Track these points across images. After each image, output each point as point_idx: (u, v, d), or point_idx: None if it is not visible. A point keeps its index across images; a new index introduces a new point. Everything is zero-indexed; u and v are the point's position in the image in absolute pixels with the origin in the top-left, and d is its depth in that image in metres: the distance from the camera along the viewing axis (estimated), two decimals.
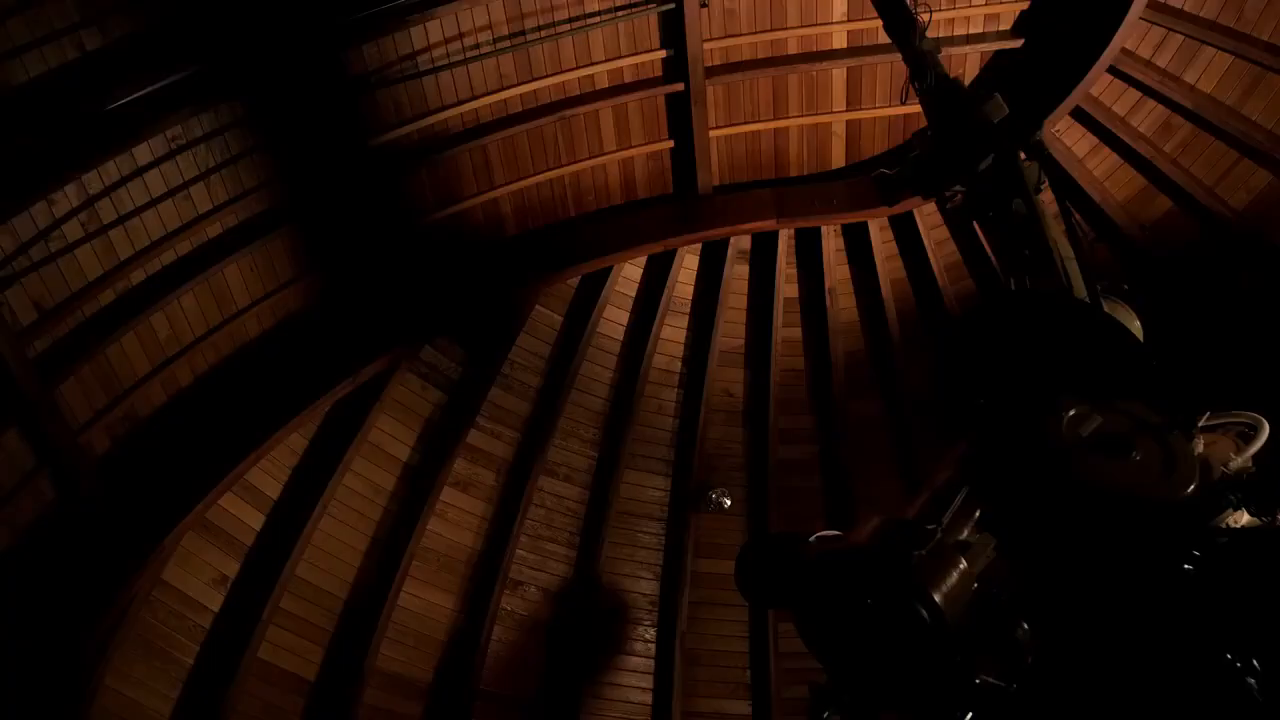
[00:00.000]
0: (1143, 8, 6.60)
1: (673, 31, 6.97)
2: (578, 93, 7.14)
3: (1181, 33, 6.74)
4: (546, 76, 6.92)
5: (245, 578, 6.70)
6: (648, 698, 7.77)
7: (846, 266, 8.12)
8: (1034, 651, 1.69)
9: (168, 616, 6.36)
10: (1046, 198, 3.09)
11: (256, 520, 6.80)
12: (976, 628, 1.55)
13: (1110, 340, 2.19)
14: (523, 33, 6.67)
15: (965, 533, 1.75)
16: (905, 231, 7.94)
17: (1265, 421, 2.16)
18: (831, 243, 7.95)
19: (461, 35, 6.55)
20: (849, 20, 7.14)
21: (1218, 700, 1.43)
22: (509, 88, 6.86)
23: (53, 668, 5.66)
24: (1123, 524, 1.71)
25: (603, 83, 7.17)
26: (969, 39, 7.25)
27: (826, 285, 8.01)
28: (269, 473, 6.85)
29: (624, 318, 8.11)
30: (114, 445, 6.21)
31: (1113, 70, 6.99)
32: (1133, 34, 6.80)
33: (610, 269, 7.85)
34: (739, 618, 7.93)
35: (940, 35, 7.06)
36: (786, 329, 8.14)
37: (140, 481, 6.23)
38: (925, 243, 7.82)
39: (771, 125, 7.61)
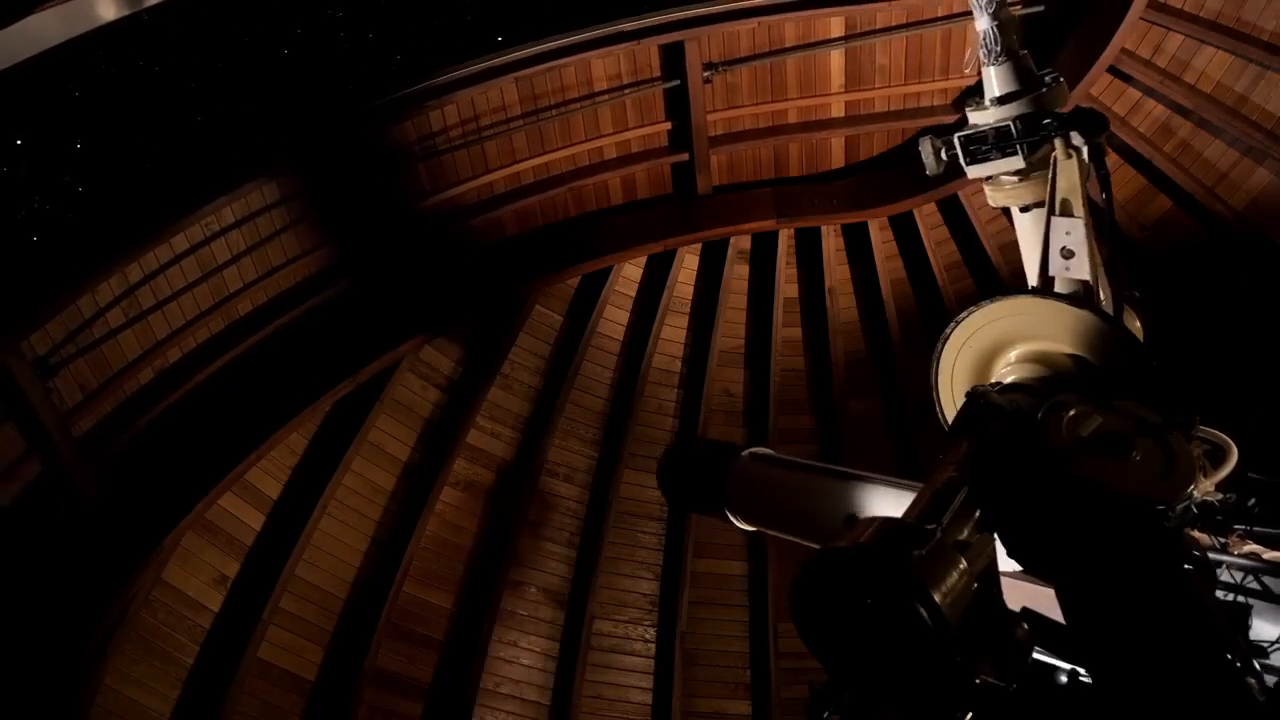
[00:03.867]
0: (1143, 8, 6.60)
1: (678, 105, 7.30)
2: (587, 163, 7.46)
3: (1181, 33, 6.74)
4: (557, 149, 7.26)
5: (245, 578, 6.69)
6: (648, 698, 7.77)
7: (846, 266, 8.12)
8: (1034, 651, 1.69)
9: (168, 616, 6.36)
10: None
11: (256, 520, 6.80)
12: (976, 628, 1.55)
13: (1123, 348, 2.17)
14: (535, 112, 7.02)
15: (965, 533, 1.74)
16: (905, 231, 7.95)
17: (1235, 446, 2.09)
18: (831, 243, 7.95)
19: (477, 117, 6.90)
20: (846, 91, 7.45)
21: (1217, 700, 1.43)
22: (521, 161, 7.20)
23: (53, 668, 5.66)
24: (1123, 524, 1.71)
25: (611, 153, 7.49)
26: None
27: (826, 285, 8.01)
28: (269, 473, 6.85)
29: (624, 318, 8.11)
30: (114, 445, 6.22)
31: (1112, 70, 7.00)
32: (1133, 34, 6.80)
33: (610, 269, 7.85)
34: (739, 618, 7.94)
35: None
36: (786, 329, 8.14)
37: (140, 481, 6.23)
38: (925, 243, 7.83)
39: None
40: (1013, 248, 7.79)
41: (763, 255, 8.07)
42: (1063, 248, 2.50)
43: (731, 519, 3.09)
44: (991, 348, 2.35)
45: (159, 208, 5.94)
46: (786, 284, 8.07)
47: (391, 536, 7.32)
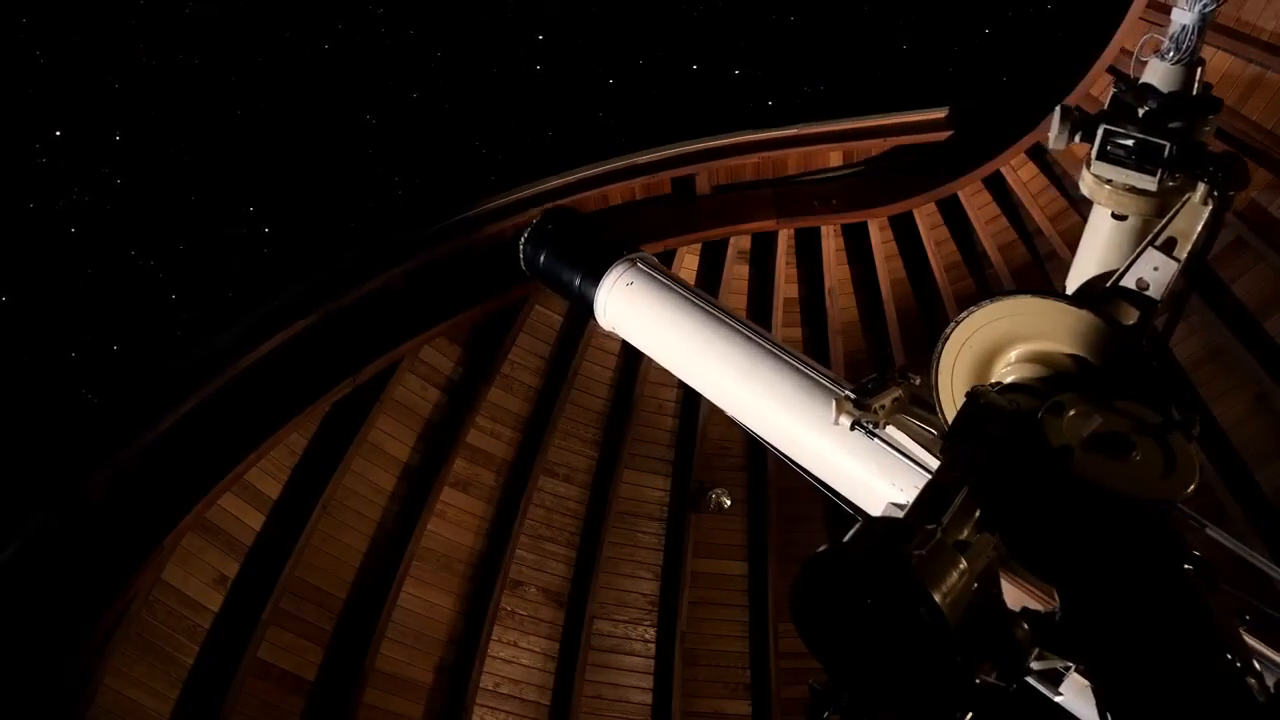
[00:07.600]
0: (1143, 8, 6.60)
1: None
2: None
3: None
4: None
5: (245, 578, 6.69)
6: (648, 698, 7.77)
7: (846, 266, 8.13)
8: (1034, 651, 1.70)
9: (168, 616, 6.36)
10: None
11: (256, 520, 6.80)
12: (976, 628, 1.55)
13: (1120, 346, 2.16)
14: None
15: (965, 533, 1.74)
16: (905, 231, 7.95)
17: None
18: (831, 243, 7.96)
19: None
20: None
21: (1217, 700, 1.43)
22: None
23: (53, 668, 5.66)
24: (1122, 524, 1.71)
25: None
26: None
27: (826, 285, 8.02)
28: (269, 473, 6.85)
29: None
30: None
31: (1112, 70, 6.99)
32: (1132, 34, 6.80)
33: None
34: (739, 618, 7.94)
35: None
36: (786, 329, 8.14)
37: (140, 481, 6.23)
38: (925, 243, 7.84)
39: None
40: (1012, 247, 7.83)
41: (763, 255, 8.08)
42: (1140, 278, 2.34)
43: (596, 318, 3.04)
44: (991, 348, 2.34)
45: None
46: (786, 284, 8.08)
47: (391, 536, 7.32)
